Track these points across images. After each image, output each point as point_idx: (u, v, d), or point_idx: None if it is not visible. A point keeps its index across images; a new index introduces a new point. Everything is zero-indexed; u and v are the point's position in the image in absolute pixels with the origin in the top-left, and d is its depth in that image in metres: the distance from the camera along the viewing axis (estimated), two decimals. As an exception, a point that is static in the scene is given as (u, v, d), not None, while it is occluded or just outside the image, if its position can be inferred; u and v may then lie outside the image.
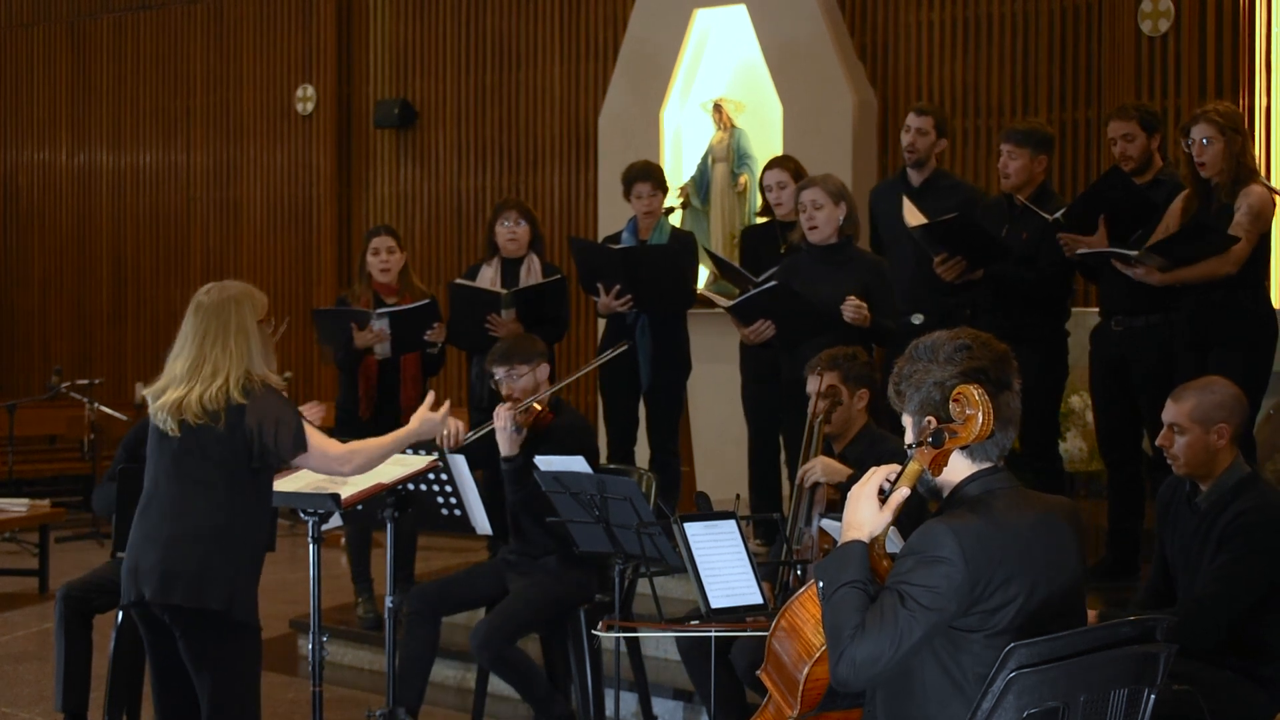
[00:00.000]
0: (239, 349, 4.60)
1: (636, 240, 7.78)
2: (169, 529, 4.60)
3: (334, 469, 4.79)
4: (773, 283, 6.58)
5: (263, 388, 4.60)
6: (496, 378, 6.30)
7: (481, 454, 6.05)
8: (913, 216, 6.85)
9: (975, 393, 3.27)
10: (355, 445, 4.86)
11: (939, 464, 3.32)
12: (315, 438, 4.66)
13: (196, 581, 4.55)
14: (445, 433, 5.68)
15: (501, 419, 5.94)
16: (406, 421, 7.41)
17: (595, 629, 5.70)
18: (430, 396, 5.10)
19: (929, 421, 3.32)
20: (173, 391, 4.60)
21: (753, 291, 6.65)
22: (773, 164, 7.78)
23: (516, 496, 5.98)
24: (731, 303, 6.74)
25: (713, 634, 4.82)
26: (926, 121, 7.32)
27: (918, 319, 7.02)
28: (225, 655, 4.63)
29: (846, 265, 6.61)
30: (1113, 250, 6.25)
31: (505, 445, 5.93)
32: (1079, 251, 6.42)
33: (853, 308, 6.37)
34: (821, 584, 3.30)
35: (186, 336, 4.67)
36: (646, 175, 7.84)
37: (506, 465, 5.94)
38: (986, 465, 3.38)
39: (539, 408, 6.12)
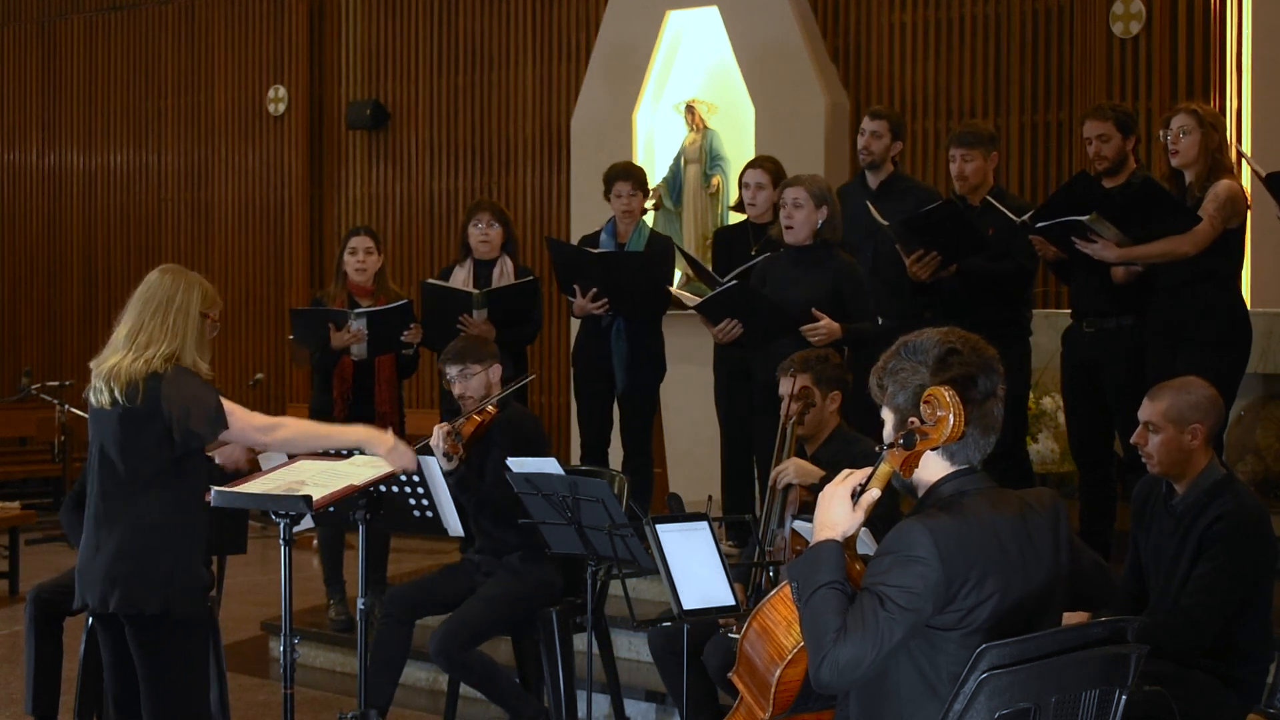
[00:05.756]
0: (176, 326, 4.57)
1: (615, 240, 7.78)
2: (108, 530, 4.58)
3: (257, 440, 4.74)
4: (732, 283, 6.58)
5: (182, 370, 4.55)
6: (448, 376, 6.26)
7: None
8: (883, 218, 6.84)
9: (946, 394, 3.24)
10: (285, 419, 4.85)
11: (910, 465, 3.30)
12: (238, 412, 4.61)
13: (131, 585, 4.53)
14: (435, 442, 5.73)
15: (436, 438, 5.91)
16: (381, 425, 7.47)
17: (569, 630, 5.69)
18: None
19: (912, 422, 3.29)
20: (111, 358, 4.57)
21: (715, 290, 6.65)
22: (754, 163, 7.77)
23: (468, 503, 5.96)
24: (697, 302, 6.75)
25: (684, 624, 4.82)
26: (881, 125, 7.32)
27: (879, 321, 7.01)
28: (164, 655, 4.60)
29: (818, 268, 6.60)
30: (1068, 219, 6.18)
31: (441, 462, 5.91)
32: (1037, 225, 6.37)
33: (822, 334, 6.39)
34: (796, 585, 3.28)
35: (131, 303, 4.65)
36: (627, 175, 7.84)
37: (448, 477, 5.92)
38: (964, 467, 3.36)
39: (478, 419, 6.07)
